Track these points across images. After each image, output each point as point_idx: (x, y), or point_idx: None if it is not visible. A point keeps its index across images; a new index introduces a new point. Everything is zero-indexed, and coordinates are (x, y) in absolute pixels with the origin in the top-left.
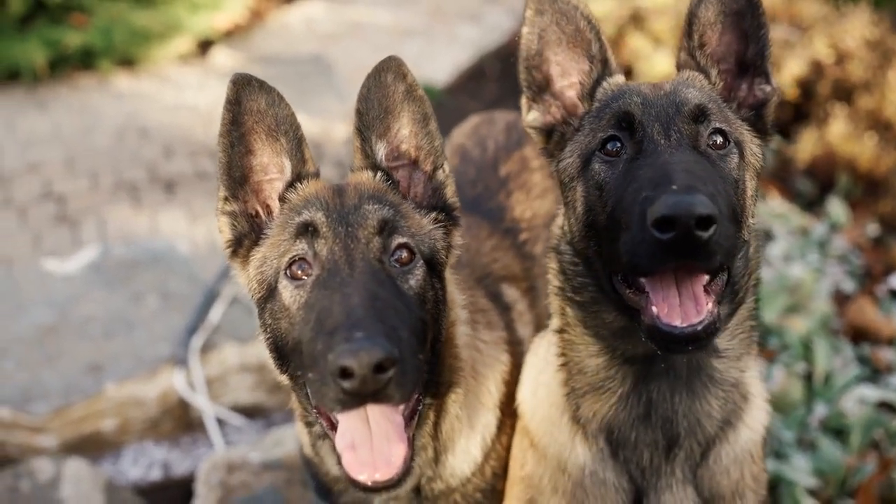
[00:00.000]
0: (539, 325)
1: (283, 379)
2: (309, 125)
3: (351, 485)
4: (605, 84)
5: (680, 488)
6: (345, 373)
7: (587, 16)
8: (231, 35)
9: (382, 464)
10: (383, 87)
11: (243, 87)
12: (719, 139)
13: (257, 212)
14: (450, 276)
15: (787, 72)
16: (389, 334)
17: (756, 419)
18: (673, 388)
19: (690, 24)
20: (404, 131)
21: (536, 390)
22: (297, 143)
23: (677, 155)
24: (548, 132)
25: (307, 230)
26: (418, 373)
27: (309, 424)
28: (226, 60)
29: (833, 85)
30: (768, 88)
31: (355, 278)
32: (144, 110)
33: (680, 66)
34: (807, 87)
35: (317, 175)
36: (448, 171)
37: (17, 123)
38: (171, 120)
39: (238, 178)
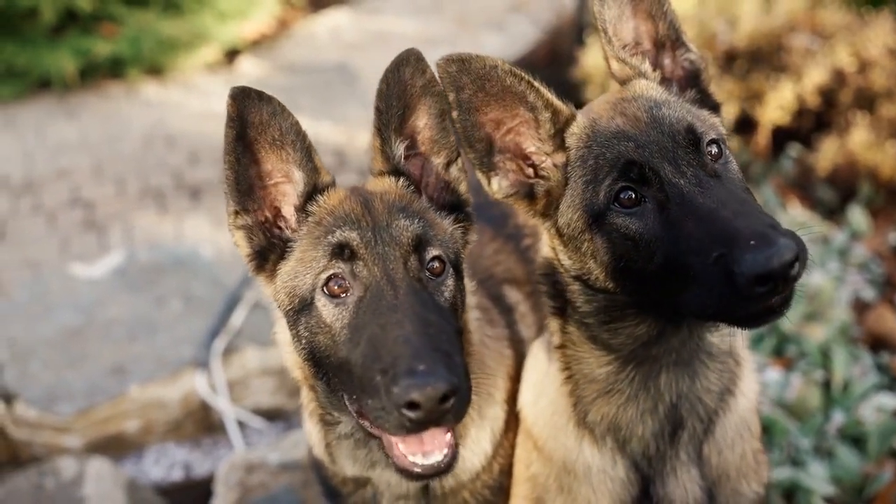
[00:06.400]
0: (542, 328)
1: (301, 377)
2: (333, 133)
3: (402, 475)
4: (573, 129)
5: (684, 471)
6: (411, 405)
7: (509, 70)
8: (258, 44)
9: (431, 450)
10: (402, 82)
11: (244, 101)
12: (715, 149)
13: (266, 218)
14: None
15: (809, 80)
16: (448, 363)
17: (749, 386)
18: (677, 375)
19: (604, 29)
20: (419, 123)
21: (538, 399)
22: (306, 153)
23: (711, 193)
24: (527, 194)
25: (343, 252)
26: (470, 392)
27: (328, 423)
28: (252, 69)
29: (855, 93)
30: (693, 56)
31: (401, 301)
32: (171, 118)
33: (622, 80)
34: (828, 95)
35: (333, 184)
36: (461, 165)
37: (47, 131)
38: (198, 128)
39: (245, 190)
